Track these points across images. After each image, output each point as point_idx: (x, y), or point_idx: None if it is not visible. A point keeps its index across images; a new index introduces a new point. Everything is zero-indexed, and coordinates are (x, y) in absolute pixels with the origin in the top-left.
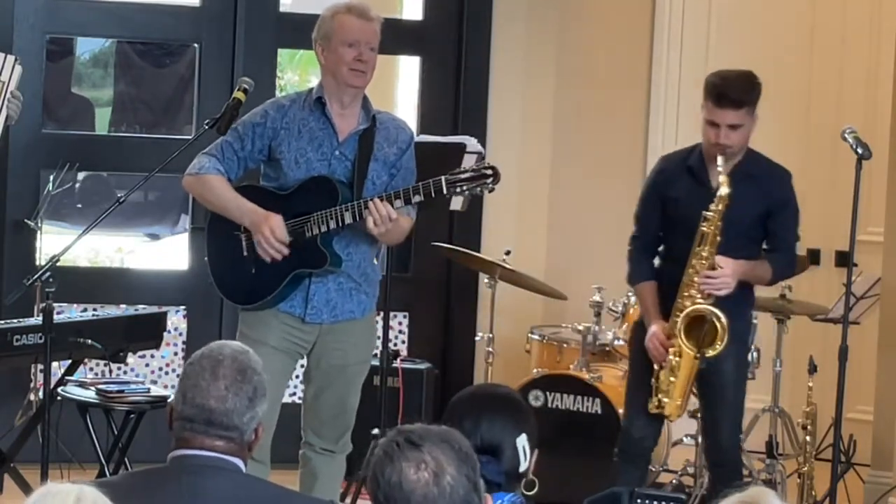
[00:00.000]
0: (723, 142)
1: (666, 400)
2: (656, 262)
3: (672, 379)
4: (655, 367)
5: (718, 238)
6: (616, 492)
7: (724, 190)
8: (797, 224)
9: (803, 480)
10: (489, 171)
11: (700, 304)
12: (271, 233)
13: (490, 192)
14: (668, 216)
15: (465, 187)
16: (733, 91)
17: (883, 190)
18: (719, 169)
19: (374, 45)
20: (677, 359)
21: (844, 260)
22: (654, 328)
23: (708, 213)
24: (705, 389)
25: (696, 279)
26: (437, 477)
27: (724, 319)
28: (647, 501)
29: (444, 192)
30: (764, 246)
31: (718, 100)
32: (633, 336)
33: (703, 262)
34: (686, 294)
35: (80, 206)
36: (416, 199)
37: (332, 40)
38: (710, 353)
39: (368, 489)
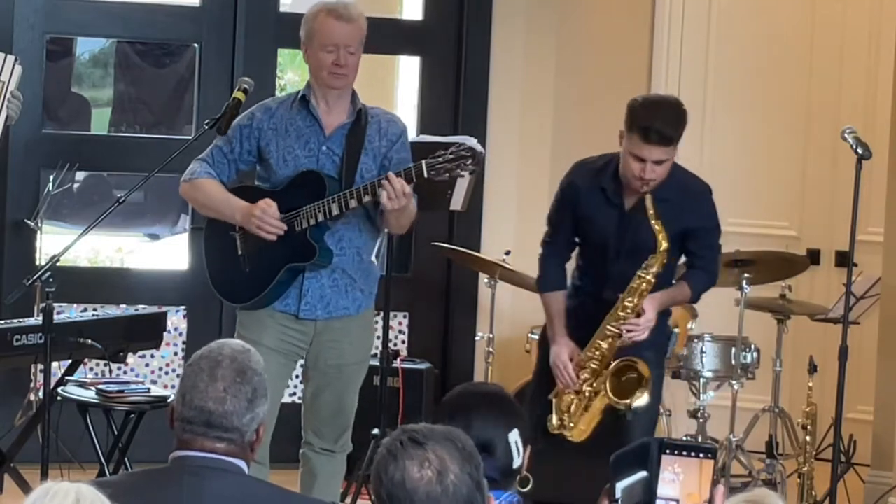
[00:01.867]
0: (648, 177)
1: (571, 425)
2: (570, 269)
3: (582, 412)
4: (560, 386)
5: (647, 293)
6: (645, 442)
7: (663, 245)
8: (718, 238)
9: (803, 480)
10: (467, 153)
11: (627, 357)
12: (263, 212)
13: (471, 173)
14: (580, 229)
15: (444, 169)
16: (664, 127)
17: (883, 190)
18: (650, 211)
19: (353, 47)
20: (592, 395)
21: (844, 260)
22: (563, 352)
23: (643, 272)
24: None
25: (621, 326)
26: (440, 475)
27: (647, 369)
28: (676, 451)
29: (426, 175)
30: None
31: (647, 135)
32: (540, 346)
33: (629, 312)
34: (608, 334)
35: (79, 206)
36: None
37: (314, 42)
38: (637, 402)
39: (371, 488)
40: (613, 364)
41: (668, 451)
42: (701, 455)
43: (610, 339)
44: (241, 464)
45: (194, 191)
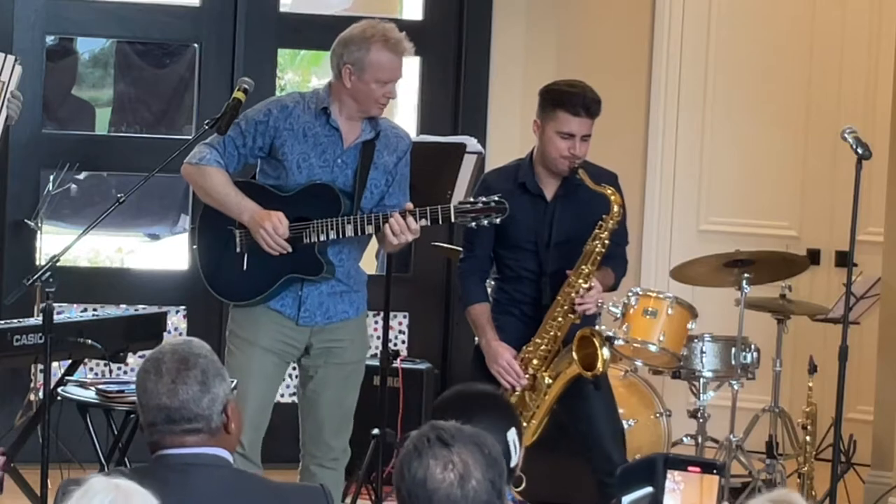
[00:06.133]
0: (579, 153)
1: (525, 425)
2: (492, 282)
3: (538, 400)
4: (507, 389)
5: (600, 258)
6: (652, 458)
7: (615, 207)
8: (626, 225)
9: (803, 480)
10: (499, 206)
11: (590, 329)
12: (274, 230)
13: (497, 224)
14: (503, 234)
15: (471, 217)
16: (591, 101)
17: (883, 190)
18: (587, 181)
19: (401, 76)
20: (550, 380)
21: (844, 260)
22: (505, 353)
23: (598, 232)
24: (572, 403)
25: (574, 296)
26: (462, 479)
27: (599, 333)
28: (681, 467)
29: (452, 220)
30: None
31: (575, 109)
32: (475, 363)
33: (583, 280)
34: (559, 311)
35: (79, 206)
36: (423, 222)
37: (366, 73)
38: (601, 366)
39: (393, 480)
40: (576, 337)
41: (673, 467)
42: (706, 471)
43: (561, 318)
44: (224, 453)
45: (201, 177)
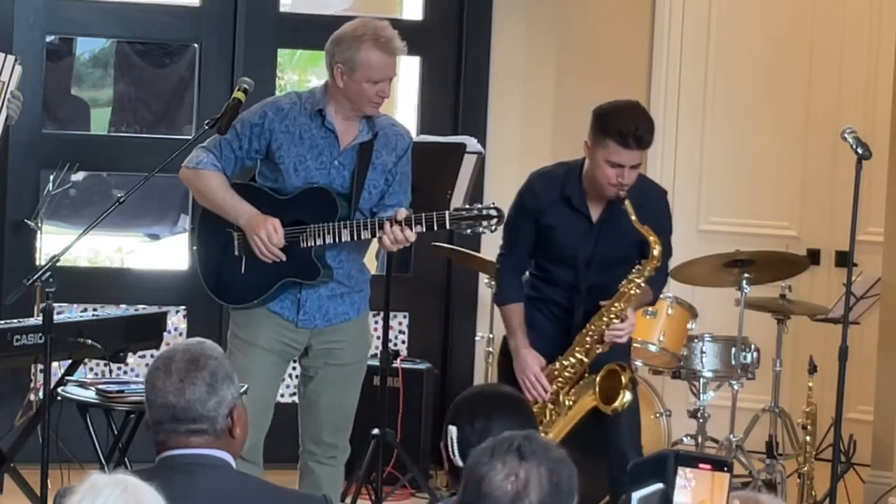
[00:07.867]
0: (626, 182)
1: (544, 433)
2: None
3: (557, 417)
4: (531, 400)
5: (634, 297)
6: (663, 454)
7: (655, 251)
8: (670, 239)
9: (803, 480)
10: (495, 214)
11: (617, 362)
12: (268, 238)
13: (492, 231)
14: (543, 241)
15: (467, 224)
16: (643, 132)
17: (883, 190)
18: (633, 217)
19: (394, 74)
20: (571, 402)
21: (844, 260)
22: (533, 364)
23: (636, 275)
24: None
25: (604, 328)
26: (517, 495)
27: (629, 371)
28: (692, 463)
29: (447, 227)
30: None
31: (626, 140)
32: (501, 362)
33: (615, 317)
34: (589, 340)
35: (79, 206)
36: (418, 228)
37: (357, 73)
38: (619, 405)
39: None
40: (603, 370)
41: (684, 464)
42: (716, 468)
43: (589, 346)
44: (228, 457)
45: (198, 180)
